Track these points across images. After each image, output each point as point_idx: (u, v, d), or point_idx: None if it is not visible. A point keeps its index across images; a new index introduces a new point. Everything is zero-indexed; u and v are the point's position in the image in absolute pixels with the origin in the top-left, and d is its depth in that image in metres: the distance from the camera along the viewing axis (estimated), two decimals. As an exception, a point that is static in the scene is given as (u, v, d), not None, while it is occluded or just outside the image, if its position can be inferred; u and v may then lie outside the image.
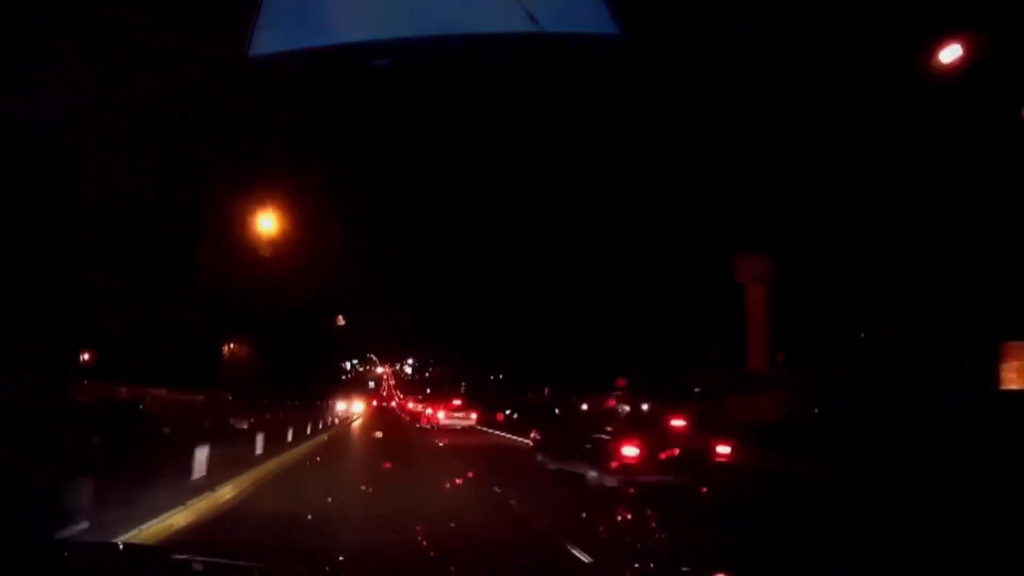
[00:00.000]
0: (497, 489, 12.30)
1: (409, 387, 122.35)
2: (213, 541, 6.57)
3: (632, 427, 12.19)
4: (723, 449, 12.05)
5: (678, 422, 12.16)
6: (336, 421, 41.10)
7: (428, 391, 79.25)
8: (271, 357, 42.72)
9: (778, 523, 10.13)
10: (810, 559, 7.65)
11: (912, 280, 21.13)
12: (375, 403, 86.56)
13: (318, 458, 19.13)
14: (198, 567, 3.02)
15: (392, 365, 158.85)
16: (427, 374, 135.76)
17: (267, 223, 24.06)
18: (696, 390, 23.97)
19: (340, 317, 56.54)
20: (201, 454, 11.11)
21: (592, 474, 12.12)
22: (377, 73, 7.20)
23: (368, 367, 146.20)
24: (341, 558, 3.65)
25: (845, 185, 22.42)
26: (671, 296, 34.25)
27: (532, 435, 18.02)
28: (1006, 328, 17.35)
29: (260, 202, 24.57)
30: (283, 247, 26.54)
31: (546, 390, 47.25)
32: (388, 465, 16.25)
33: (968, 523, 9.53)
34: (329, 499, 10.17)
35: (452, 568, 4.18)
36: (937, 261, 20.06)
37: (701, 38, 22.95)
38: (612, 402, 13.86)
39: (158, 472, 9.23)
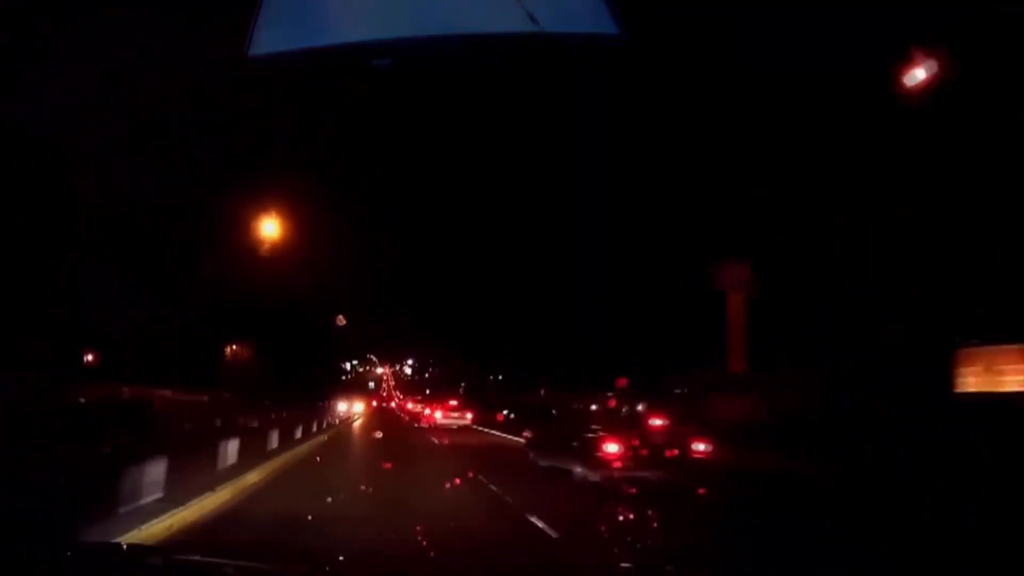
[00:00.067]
0: (498, 490, 12.54)
1: (409, 387, 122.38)
2: (213, 541, 6.58)
3: (615, 426, 12.92)
4: (700, 446, 12.79)
5: (657, 421, 12.91)
6: (337, 421, 41.13)
7: (428, 392, 79.33)
8: (271, 357, 42.77)
9: (773, 521, 10.15)
10: (810, 559, 7.65)
11: (912, 280, 21.14)
12: (375, 403, 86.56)
13: (318, 458, 19.15)
14: (198, 567, 3.02)
15: (392, 366, 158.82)
16: (427, 375, 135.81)
17: (267, 223, 24.05)
18: (677, 391, 24.65)
19: (340, 317, 56.50)
20: (231, 446, 13.09)
21: (578, 470, 12.97)
22: (377, 73, 7.20)
23: (368, 367, 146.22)
24: (341, 558, 3.66)
25: (845, 185, 22.42)
26: (671, 296, 34.26)
27: (525, 434, 18.89)
28: (1005, 329, 17.36)
29: (260, 202, 24.59)
30: (283, 247, 26.54)
31: (541, 391, 47.30)
32: (388, 465, 16.31)
33: (968, 523, 9.55)
34: (329, 499, 10.19)
35: (452, 569, 4.18)
36: (937, 261, 20.07)
37: (701, 38, 22.93)
38: (612, 402, 14.35)
39: (200, 459, 11.31)
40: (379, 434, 29.67)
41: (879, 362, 20.07)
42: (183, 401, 21.83)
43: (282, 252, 26.18)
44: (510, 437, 27.81)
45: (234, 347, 41.03)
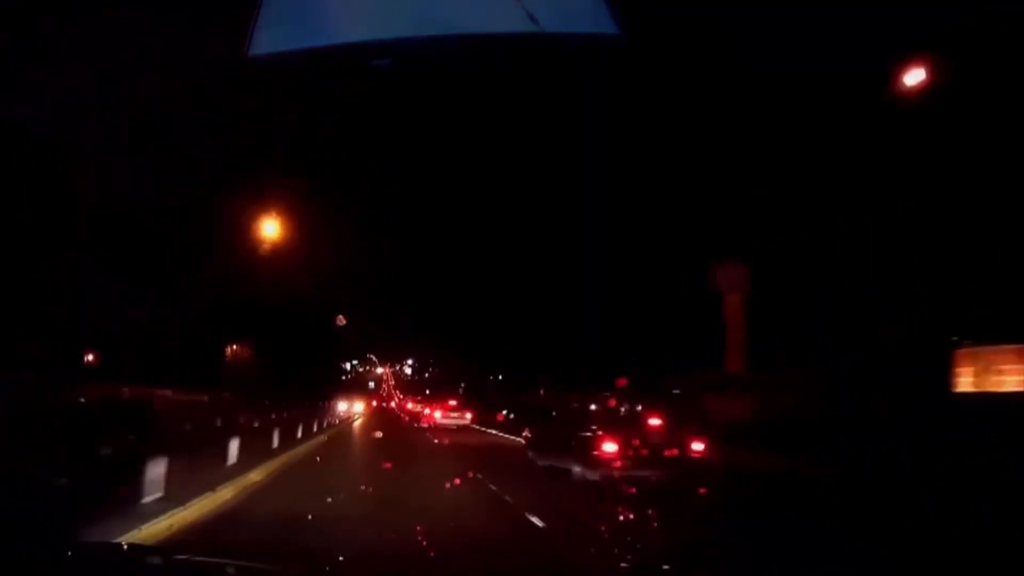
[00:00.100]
0: (492, 486, 12.66)
1: (409, 387, 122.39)
2: (214, 541, 6.59)
3: (612, 425, 13.04)
4: (697, 446, 12.97)
5: (654, 421, 13.03)
6: (337, 421, 41.14)
7: (427, 392, 79.39)
8: (271, 357, 42.76)
9: (772, 521, 10.16)
10: (810, 559, 7.65)
11: (912, 280, 21.14)
12: (375, 403, 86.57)
13: (318, 458, 19.15)
14: (198, 567, 3.02)
15: (392, 366, 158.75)
16: (427, 375, 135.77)
17: (267, 223, 24.05)
18: (676, 391, 24.78)
19: (340, 317, 56.49)
20: (234, 445, 13.28)
21: (576, 469, 13.12)
22: (377, 73, 7.21)
23: (368, 367, 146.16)
24: (341, 558, 3.66)
25: (845, 185, 22.42)
26: (670, 297, 34.25)
27: (524, 434, 19.05)
28: (1005, 329, 17.37)
29: (260, 202, 24.59)
30: (283, 247, 26.53)
31: (541, 391, 47.30)
32: (388, 465, 16.31)
33: (968, 523, 9.55)
34: (329, 499, 10.19)
35: (452, 569, 4.18)
36: (937, 261, 20.07)
37: (701, 38, 22.95)
38: (612, 402, 14.43)
39: (204, 458, 11.36)
40: (379, 434, 29.69)
41: (879, 362, 20.07)
42: (183, 401, 21.83)
43: (282, 252, 26.18)
44: (510, 437, 27.83)
45: (234, 347, 41.01)
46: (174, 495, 9.01)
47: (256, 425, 18.66)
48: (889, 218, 21.68)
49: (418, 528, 7.68)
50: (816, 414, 19.30)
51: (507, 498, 11.42)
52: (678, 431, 13.10)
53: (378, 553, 5.01)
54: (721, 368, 29.02)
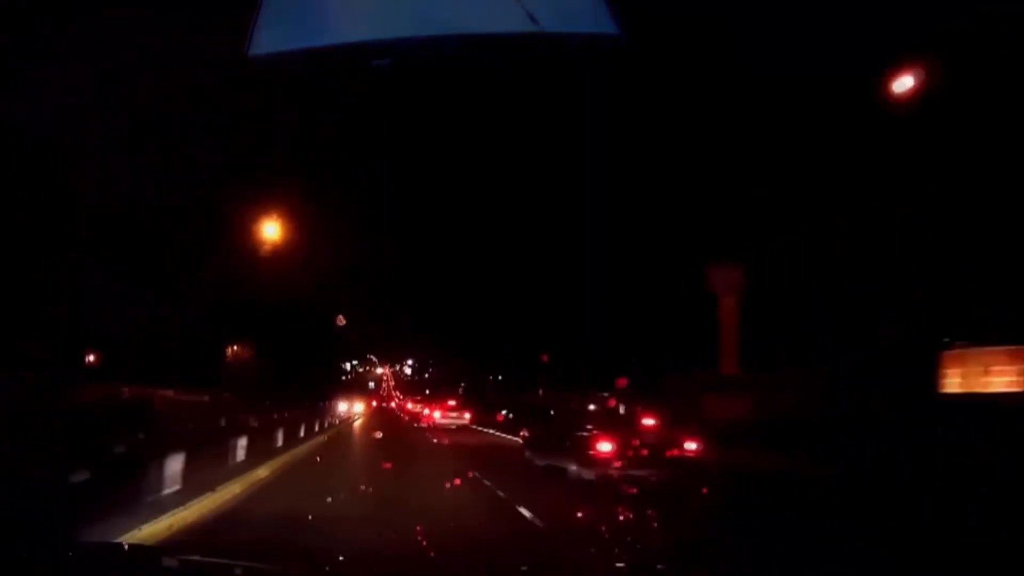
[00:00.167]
0: (491, 486, 12.75)
1: (409, 388, 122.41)
2: (214, 541, 6.59)
3: (609, 425, 13.18)
4: (691, 445, 13.10)
5: (649, 420, 13.25)
6: (337, 421, 41.18)
7: (427, 392, 79.43)
8: (271, 357, 42.74)
9: (772, 521, 10.16)
10: (809, 559, 7.65)
11: (912, 280, 21.15)
12: (375, 403, 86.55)
13: (318, 458, 19.18)
14: (199, 567, 3.02)
15: (392, 366, 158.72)
16: (427, 375, 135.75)
17: (267, 223, 24.07)
18: (674, 392, 24.93)
19: (340, 317, 56.45)
20: (242, 443, 13.91)
21: (573, 468, 13.25)
22: (377, 73, 7.21)
23: (368, 368, 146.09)
24: (341, 558, 3.66)
25: (845, 185, 22.42)
26: (670, 297, 34.25)
27: (522, 433, 19.09)
28: (1004, 330, 17.38)
29: (260, 202, 24.61)
30: (283, 247, 26.54)
31: (540, 391, 47.34)
32: (388, 465, 16.33)
33: (968, 523, 9.56)
34: (329, 499, 10.20)
35: (452, 568, 4.18)
36: (937, 261, 20.08)
37: (701, 38, 22.94)
38: (612, 402, 14.52)
39: (212, 456, 11.79)
40: (379, 434, 29.70)
41: (879, 362, 20.09)
42: (184, 401, 21.80)
43: (282, 252, 26.20)
44: (509, 437, 27.84)
45: (235, 347, 41.00)
46: (191, 487, 9.68)
47: (258, 425, 18.66)
48: (888, 219, 21.70)
49: (418, 528, 7.68)
50: (816, 414, 19.32)
51: (503, 495, 11.49)
52: (672, 431, 13.23)
53: (378, 553, 5.01)
54: (711, 369, 29.15)
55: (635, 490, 11.96)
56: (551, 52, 5.29)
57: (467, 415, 39.51)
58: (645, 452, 12.48)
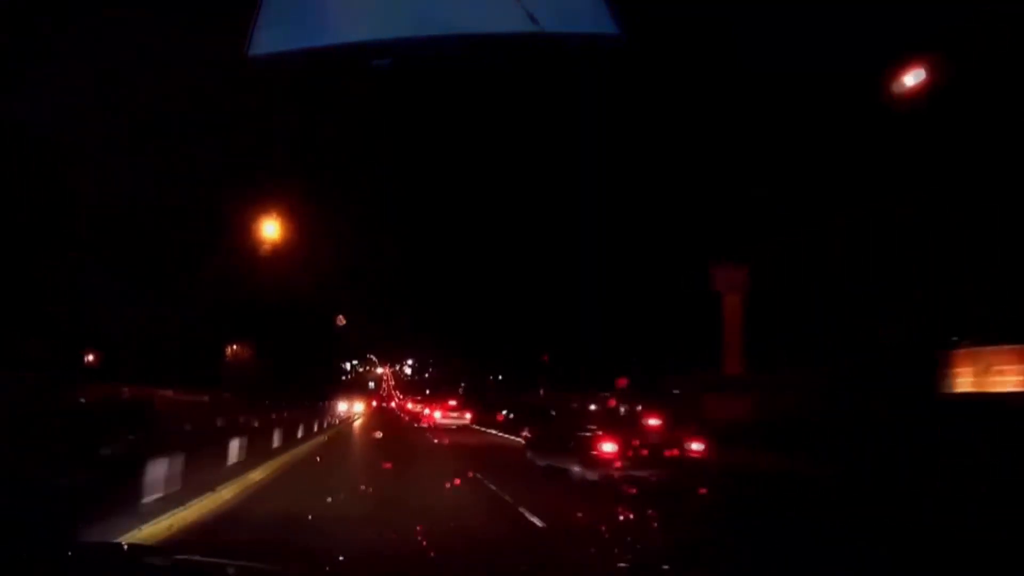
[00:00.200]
0: (495, 488, 12.61)
1: (409, 388, 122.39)
2: (214, 541, 6.59)
3: (611, 425, 13.08)
4: (696, 446, 13.04)
5: (653, 421, 13.15)
6: (337, 421, 41.14)
7: (427, 392, 79.42)
8: (271, 357, 42.75)
9: (772, 521, 10.16)
10: (810, 559, 7.65)
11: (912, 280, 21.15)
12: (375, 403, 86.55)
13: (318, 458, 19.16)
14: (198, 567, 3.02)
15: (392, 366, 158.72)
16: (427, 375, 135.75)
17: (267, 223, 24.06)
18: (676, 391, 24.85)
19: (340, 317, 56.48)
20: (236, 444, 13.43)
21: (576, 469, 13.12)
22: (377, 73, 7.21)
23: (368, 367, 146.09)
24: (341, 558, 3.66)
25: (845, 185, 22.43)
26: (670, 297, 34.26)
27: (523, 433, 19.12)
28: (1004, 329, 17.38)
29: (260, 202, 24.61)
30: (283, 247, 26.53)
31: (541, 391, 47.34)
32: (388, 465, 16.31)
33: (968, 523, 9.55)
34: (329, 499, 10.19)
35: (452, 569, 4.18)
36: (937, 261, 20.08)
37: (701, 38, 22.95)
38: (612, 402, 14.45)
39: (205, 458, 11.36)
40: (379, 434, 29.68)
41: (879, 362, 20.09)
42: (184, 401, 21.82)
43: (282, 252, 26.19)
44: (510, 437, 27.84)
45: (234, 347, 41.01)
46: (187, 488, 9.46)
47: (256, 425, 18.61)
48: (888, 219, 21.70)
49: (418, 528, 7.68)
50: (816, 414, 19.33)
51: (510, 500, 11.32)
52: (677, 431, 13.14)
53: (378, 553, 5.01)
54: (713, 369, 29.10)
55: (636, 491, 11.89)
56: (551, 52, 5.29)
57: (468, 415, 39.28)
58: (648, 452, 12.39)
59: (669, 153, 30.92)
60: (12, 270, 20.28)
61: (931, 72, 15.38)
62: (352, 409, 55.91)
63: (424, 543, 6.71)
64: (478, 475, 14.08)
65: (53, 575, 2.72)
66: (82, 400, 16.99)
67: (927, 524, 9.85)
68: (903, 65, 15.65)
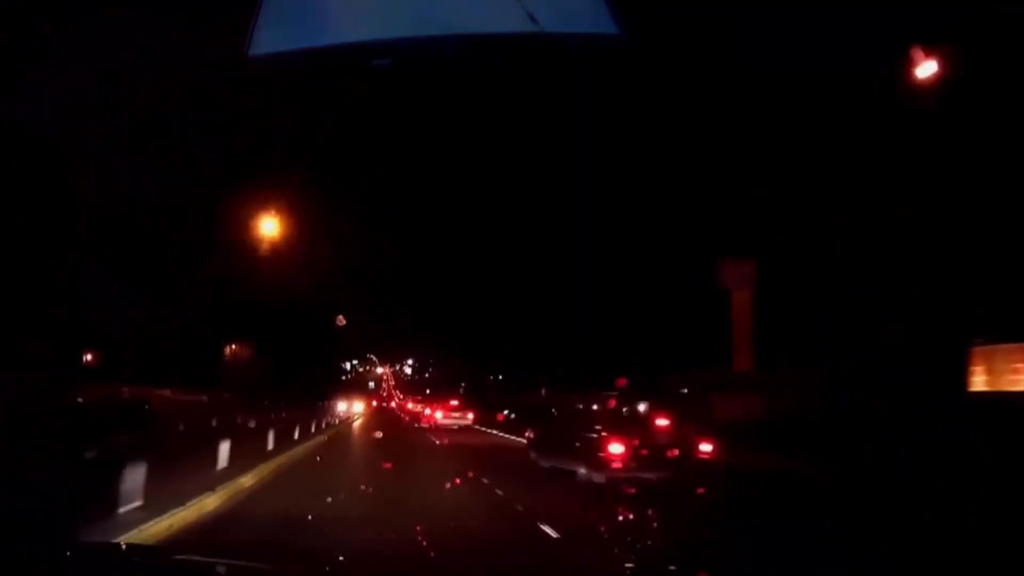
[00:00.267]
0: (497, 489, 12.42)
1: (409, 387, 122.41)
2: (213, 541, 6.58)
3: (619, 426, 12.76)
4: (706, 447, 12.68)
5: (662, 421, 12.76)
6: (337, 421, 41.12)
7: (428, 391, 79.36)
8: (271, 357, 42.78)
9: (773, 521, 10.14)
10: (810, 559, 7.65)
11: (912, 280, 21.13)
12: (375, 403, 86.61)
13: (318, 458, 19.16)
14: (198, 567, 3.02)
15: (392, 366, 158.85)
16: (427, 374, 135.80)
17: (267, 223, 24.06)
18: (684, 390, 24.53)
19: (340, 317, 56.53)
20: (224, 448, 12.54)
21: (582, 471, 12.81)
22: (377, 73, 7.21)
23: (368, 367, 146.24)
24: (341, 558, 3.66)
25: (845, 185, 22.42)
26: (671, 296, 34.26)
27: (527, 434, 18.83)
28: (1006, 329, 17.36)
29: (260, 202, 24.61)
30: (283, 247, 26.54)
31: (542, 391, 47.30)
32: (388, 465, 16.29)
33: (968, 523, 9.54)
34: (329, 499, 10.17)
35: (452, 569, 4.18)
36: (937, 261, 20.07)
37: (701, 38, 22.97)
38: (612, 402, 14.17)
39: (191, 463, 10.76)
40: (379, 434, 29.66)
41: (879, 362, 20.07)
42: (182, 401, 21.84)
43: (282, 252, 26.21)
44: (511, 437, 27.79)
45: (233, 347, 41.03)
46: (150, 504, 8.24)
47: (251, 426, 18.53)
48: (888, 219, 21.69)
49: (418, 528, 7.67)
50: (816, 414, 19.31)
51: (518, 507, 10.60)
52: (685, 432, 12.78)
53: (378, 553, 5.01)
54: (720, 367, 28.94)
55: (645, 493, 11.63)
56: (551, 52, 5.29)
57: (470, 415, 38.51)
58: (657, 454, 12.07)
59: (669, 153, 30.95)
60: (12, 270, 20.29)
61: (930, 72, 15.36)
62: (351, 409, 55.92)
63: (424, 543, 6.71)
64: (483, 479, 13.63)
65: (52, 575, 2.71)
66: (79, 400, 17.01)
67: (927, 524, 9.83)
68: (903, 65, 15.64)
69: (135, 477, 8.30)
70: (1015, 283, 17.27)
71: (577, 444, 13.21)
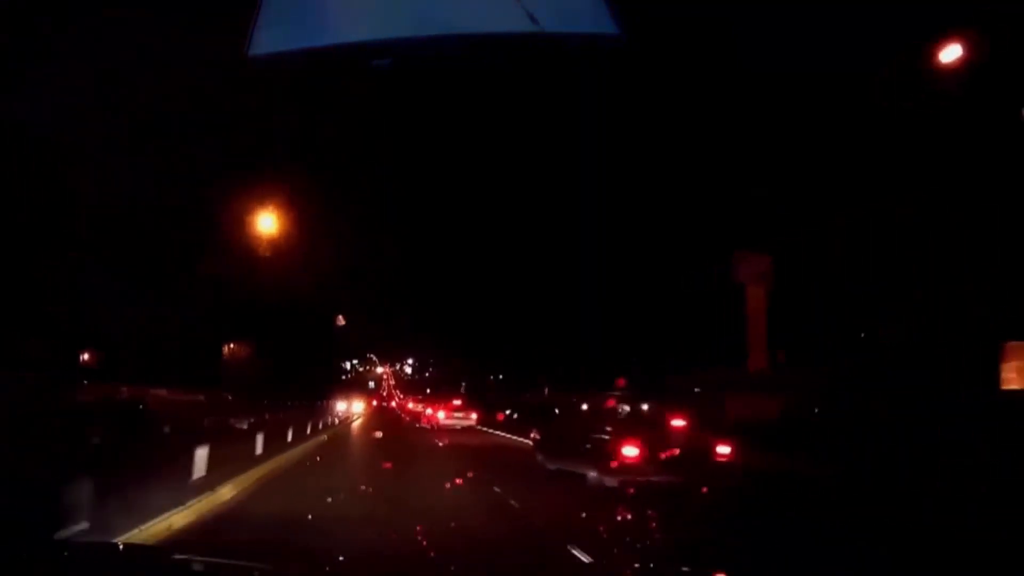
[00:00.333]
0: (497, 489, 12.25)
1: (409, 387, 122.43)
2: (213, 541, 6.57)
3: (632, 427, 12.17)
4: (723, 449, 12.06)
5: (678, 422, 12.16)
6: (336, 421, 41.07)
7: (428, 391, 79.37)
8: (271, 357, 42.79)
9: (779, 523, 10.10)
10: (810, 559, 7.64)
11: (912, 280, 21.13)
12: (375, 403, 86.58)
13: (318, 458, 19.13)
14: (198, 567, 3.01)
15: (392, 365, 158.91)
16: (427, 374, 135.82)
17: (267, 223, 24.07)
18: (696, 390, 23.99)
19: (340, 317, 56.59)
20: (201, 454, 11.20)
21: (592, 474, 12.17)
22: (377, 73, 7.21)
23: (368, 367, 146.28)
24: (341, 558, 3.66)
25: (845, 185, 22.43)
26: (671, 296, 34.28)
27: (532, 435, 18.18)
28: (1006, 328, 17.35)
29: (260, 202, 24.61)
30: (283, 247, 26.55)
31: (545, 390, 47.26)
32: (388, 465, 16.25)
33: (968, 523, 9.53)
34: (329, 499, 10.15)
35: (452, 569, 4.18)
36: (937, 261, 20.07)
37: (701, 38, 22.98)
38: (612, 402, 13.84)
39: (158, 472, 9.40)
40: (379, 434, 29.61)
41: (879, 362, 20.06)
42: (179, 401, 21.76)
43: (282, 252, 26.22)
44: (513, 437, 27.72)
45: (231, 346, 41.04)
46: (103, 524, 7.02)
47: (244, 428, 18.33)
48: (889, 219, 21.70)
49: (418, 528, 7.66)
50: (817, 414, 19.29)
51: (535, 521, 9.72)
52: (701, 433, 12.18)
53: (378, 553, 5.01)
54: (720, 367, 28.86)
55: (663, 497, 11.03)
56: (551, 52, 5.28)
57: (474, 415, 37.06)
58: (672, 456, 11.41)
59: (668, 153, 30.97)
60: (12, 270, 20.29)
61: (930, 72, 15.36)
62: (351, 409, 55.87)
63: (424, 543, 6.70)
64: (496, 488, 12.44)
65: (52, 575, 2.71)
66: (82, 400, 17.00)
67: (928, 524, 9.81)
68: (903, 64, 15.65)
69: (79, 493, 7.23)
70: (1015, 283, 17.26)
71: (587, 446, 12.51)
